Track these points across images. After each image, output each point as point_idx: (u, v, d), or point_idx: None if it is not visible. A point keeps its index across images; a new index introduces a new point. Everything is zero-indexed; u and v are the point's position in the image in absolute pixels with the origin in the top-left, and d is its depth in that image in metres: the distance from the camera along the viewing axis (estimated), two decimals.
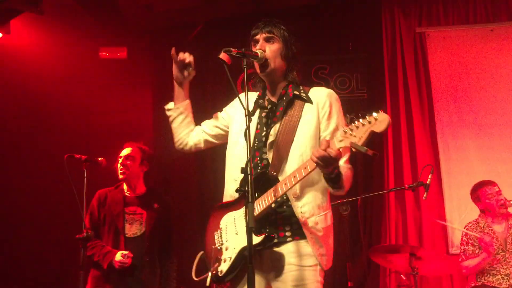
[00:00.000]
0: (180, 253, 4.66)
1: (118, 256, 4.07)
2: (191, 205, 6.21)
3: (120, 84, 6.27)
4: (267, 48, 2.71)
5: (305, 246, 2.53)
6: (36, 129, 5.80)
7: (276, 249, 2.55)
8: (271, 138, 2.63)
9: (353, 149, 2.24)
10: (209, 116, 6.68)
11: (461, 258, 4.55)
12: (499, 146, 5.50)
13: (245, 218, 2.31)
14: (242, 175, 2.43)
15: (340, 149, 2.26)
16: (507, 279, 4.35)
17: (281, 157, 2.57)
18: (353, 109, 5.50)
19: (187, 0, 5.78)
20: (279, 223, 2.56)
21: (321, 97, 2.67)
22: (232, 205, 2.67)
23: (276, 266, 2.54)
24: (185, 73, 3.15)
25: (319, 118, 2.63)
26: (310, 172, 2.38)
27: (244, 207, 2.51)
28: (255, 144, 2.69)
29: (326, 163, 2.29)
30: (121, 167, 4.37)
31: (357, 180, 5.71)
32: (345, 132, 2.21)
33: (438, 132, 5.67)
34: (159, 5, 5.89)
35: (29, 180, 5.69)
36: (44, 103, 5.78)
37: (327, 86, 6.17)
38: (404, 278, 4.53)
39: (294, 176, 2.42)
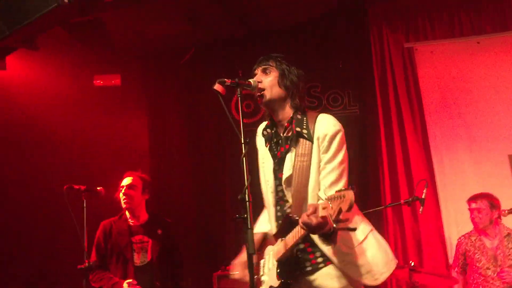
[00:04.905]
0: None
1: (125, 286, 4.13)
2: (187, 229, 6.24)
3: (115, 111, 6.32)
4: (264, 79, 2.78)
5: (337, 269, 2.60)
6: (33, 161, 5.83)
7: (311, 277, 2.63)
8: (285, 175, 2.68)
9: None
10: (201, 135, 6.63)
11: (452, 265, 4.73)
12: (491, 157, 5.52)
13: (247, 246, 2.37)
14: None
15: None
16: None
17: (301, 200, 2.62)
18: (347, 125, 5.56)
19: (178, 25, 5.85)
20: (308, 250, 2.64)
21: (322, 131, 2.65)
22: (273, 238, 2.77)
23: None
24: None
25: (319, 152, 2.64)
26: (304, 234, 2.44)
27: (276, 243, 2.69)
28: (273, 180, 2.79)
29: (313, 230, 2.34)
30: (124, 197, 4.42)
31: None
32: (328, 201, 2.25)
33: (431, 146, 5.71)
34: (150, 31, 5.97)
35: (29, 213, 5.69)
36: (42, 134, 5.82)
37: (320, 104, 6.29)
38: None
39: (293, 237, 2.52)
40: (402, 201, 4.42)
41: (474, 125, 5.69)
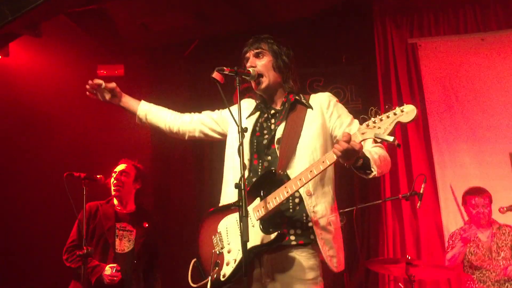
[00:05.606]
0: (175, 266, 4.71)
1: (108, 270, 4.10)
2: (188, 223, 6.25)
3: None
4: (258, 63, 2.78)
5: (309, 258, 2.55)
6: (35, 148, 5.86)
7: (278, 254, 2.54)
8: (277, 136, 2.67)
9: (378, 140, 2.26)
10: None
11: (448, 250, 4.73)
12: (493, 153, 5.53)
13: (241, 234, 2.29)
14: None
15: (362, 142, 2.28)
16: (497, 285, 4.41)
17: (289, 156, 2.59)
18: None
19: (182, 18, 5.85)
20: (283, 226, 2.56)
21: (323, 100, 2.75)
22: (232, 208, 2.65)
23: (277, 277, 2.55)
24: (109, 96, 3.18)
25: (325, 118, 2.69)
26: (329, 166, 2.38)
27: (253, 202, 2.56)
28: (254, 147, 2.73)
29: (349, 156, 2.29)
30: (115, 182, 4.43)
31: (354, 191, 5.78)
32: (368, 125, 2.25)
33: (432, 141, 5.72)
34: (155, 24, 5.98)
35: (28, 197, 5.73)
36: (43, 121, 5.85)
37: None
38: (402, 286, 4.57)
39: (311, 171, 2.41)
40: (400, 195, 4.43)
41: (476, 122, 5.69)
